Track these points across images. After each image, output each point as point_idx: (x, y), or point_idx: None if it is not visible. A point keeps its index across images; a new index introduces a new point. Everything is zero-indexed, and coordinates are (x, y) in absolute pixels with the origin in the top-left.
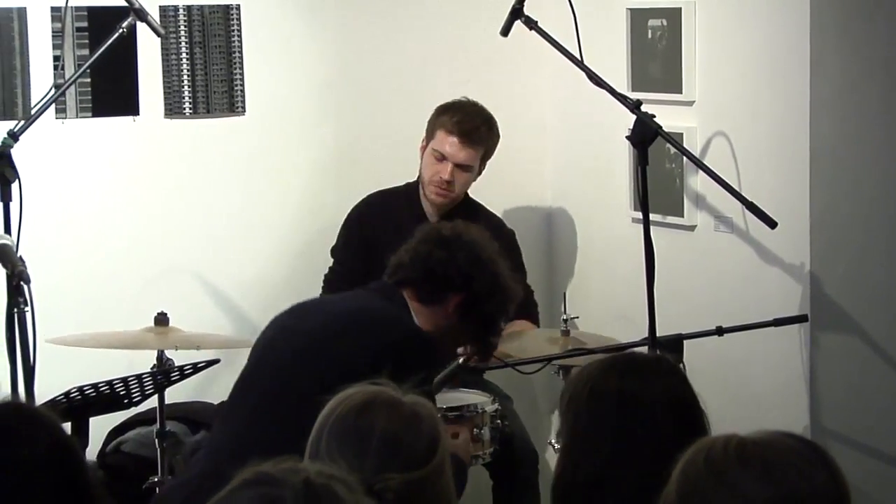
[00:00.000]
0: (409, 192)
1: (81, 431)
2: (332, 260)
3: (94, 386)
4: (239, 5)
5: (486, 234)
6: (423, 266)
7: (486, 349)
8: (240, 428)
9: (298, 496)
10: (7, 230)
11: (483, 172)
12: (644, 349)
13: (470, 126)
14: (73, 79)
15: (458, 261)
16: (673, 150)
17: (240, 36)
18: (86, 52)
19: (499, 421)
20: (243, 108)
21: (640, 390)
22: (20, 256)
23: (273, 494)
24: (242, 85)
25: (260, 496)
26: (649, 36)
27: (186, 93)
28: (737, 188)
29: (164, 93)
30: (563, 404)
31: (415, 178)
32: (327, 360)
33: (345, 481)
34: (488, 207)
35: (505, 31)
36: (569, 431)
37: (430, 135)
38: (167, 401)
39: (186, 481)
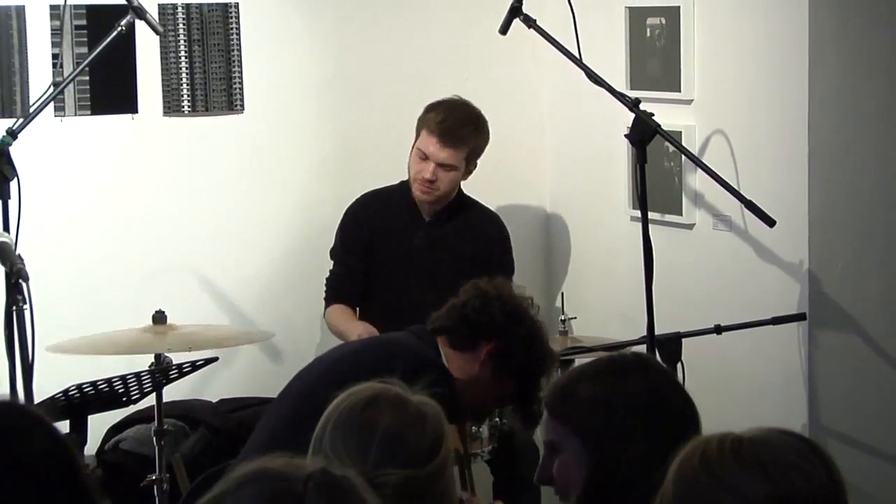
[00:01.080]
0: (402, 190)
1: (80, 429)
2: (331, 262)
3: (93, 384)
4: (237, 3)
5: (526, 299)
6: (458, 313)
7: (524, 412)
8: (268, 436)
9: (314, 491)
10: (6, 228)
11: (480, 170)
12: (643, 348)
13: (452, 126)
14: (71, 77)
15: (492, 309)
16: (672, 148)
17: (238, 34)
18: (84, 49)
19: (497, 419)
20: (242, 106)
21: (667, 388)
22: (19, 254)
23: (280, 489)
24: (241, 83)
25: (266, 491)
26: (648, 34)
27: (185, 91)
28: (735, 187)
29: (163, 91)
30: (578, 427)
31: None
32: (349, 375)
33: (349, 477)
34: (486, 205)
35: (504, 30)
36: (596, 449)
37: (417, 133)
38: (165, 399)
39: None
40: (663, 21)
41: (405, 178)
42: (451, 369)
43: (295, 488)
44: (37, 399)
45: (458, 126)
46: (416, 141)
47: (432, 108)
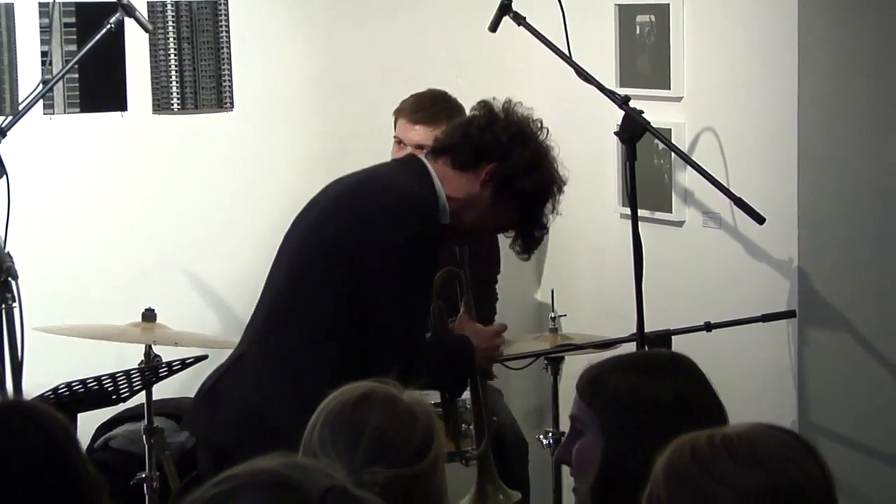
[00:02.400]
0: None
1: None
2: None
3: (82, 382)
4: (227, 1)
5: (535, 122)
6: (463, 131)
7: (524, 238)
8: (269, 304)
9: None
10: None
11: None
12: (633, 345)
13: (422, 104)
14: (60, 74)
15: (497, 129)
16: (661, 145)
17: (228, 31)
18: (74, 47)
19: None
20: (231, 103)
21: (694, 389)
22: (8, 252)
23: (292, 500)
24: (230, 80)
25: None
26: (637, 32)
27: (174, 88)
28: (725, 184)
29: (152, 88)
30: (602, 412)
31: None
32: (322, 238)
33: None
34: None
35: (493, 27)
36: (614, 437)
37: (395, 125)
38: (155, 397)
39: (221, 366)
40: (653, 18)
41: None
42: (449, 188)
43: (308, 499)
44: (26, 396)
45: (429, 104)
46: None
47: (404, 100)
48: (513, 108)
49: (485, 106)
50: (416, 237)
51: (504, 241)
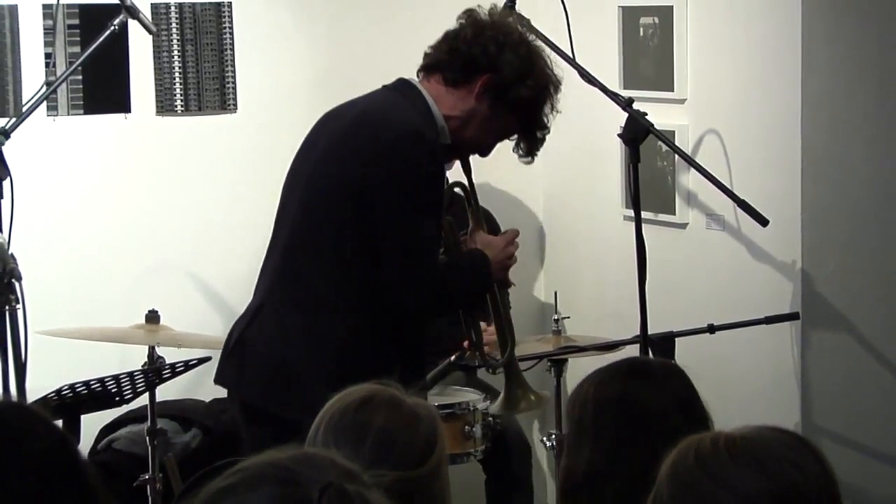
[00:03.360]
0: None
1: (73, 429)
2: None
3: (86, 383)
4: (230, 3)
5: (521, 28)
6: (450, 45)
7: (527, 142)
8: (283, 248)
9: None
10: None
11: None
12: (636, 347)
13: None
14: (64, 76)
15: (484, 40)
16: (665, 147)
17: (231, 33)
18: (77, 49)
19: (490, 418)
20: (235, 105)
21: (644, 392)
22: (11, 254)
23: (293, 496)
24: (234, 82)
25: (279, 498)
26: (641, 34)
27: (178, 90)
28: (728, 186)
29: (156, 90)
30: (570, 404)
31: None
32: (332, 176)
33: (366, 496)
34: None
35: None
36: (575, 429)
37: None
38: (158, 398)
39: (241, 318)
40: (656, 20)
41: None
42: (445, 107)
43: (308, 496)
44: (30, 398)
45: None
46: None
47: None
48: (498, 15)
49: (470, 16)
50: (424, 168)
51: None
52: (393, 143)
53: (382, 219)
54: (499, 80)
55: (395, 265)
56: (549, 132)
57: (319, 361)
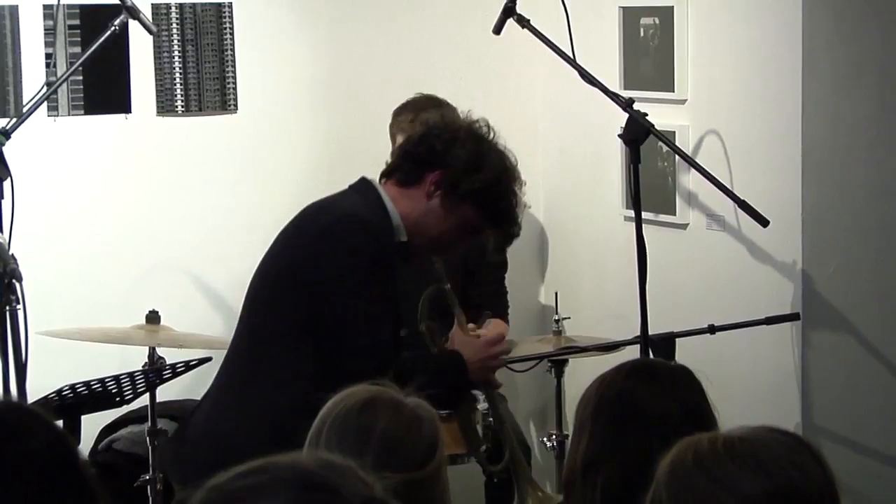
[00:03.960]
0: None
1: (73, 429)
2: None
3: (87, 384)
4: (231, 3)
5: (482, 123)
6: (401, 150)
7: (496, 235)
8: (228, 349)
9: None
10: None
11: None
12: (636, 348)
13: (418, 106)
14: (65, 76)
15: (430, 139)
16: (665, 148)
17: (232, 34)
18: (78, 49)
19: (490, 419)
20: (235, 105)
21: (642, 391)
22: (12, 254)
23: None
24: (234, 83)
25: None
26: (641, 34)
27: (178, 90)
28: (729, 186)
29: (157, 90)
30: (578, 404)
31: None
32: (272, 263)
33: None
34: None
35: (497, 30)
36: (577, 424)
37: (392, 139)
38: (159, 399)
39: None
40: (657, 21)
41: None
42: (402, 210)
43: None
44: (30, 399)
45: (425, 104)
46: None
47: (401, 111)
48: (450, 117)
49: (423, 124)
50: (361, 248)
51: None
52: (328, 226)
53: (319, 299)
54: (448, 174)
55: (333, 344)
56: (518, 227)
57: (253, 438)
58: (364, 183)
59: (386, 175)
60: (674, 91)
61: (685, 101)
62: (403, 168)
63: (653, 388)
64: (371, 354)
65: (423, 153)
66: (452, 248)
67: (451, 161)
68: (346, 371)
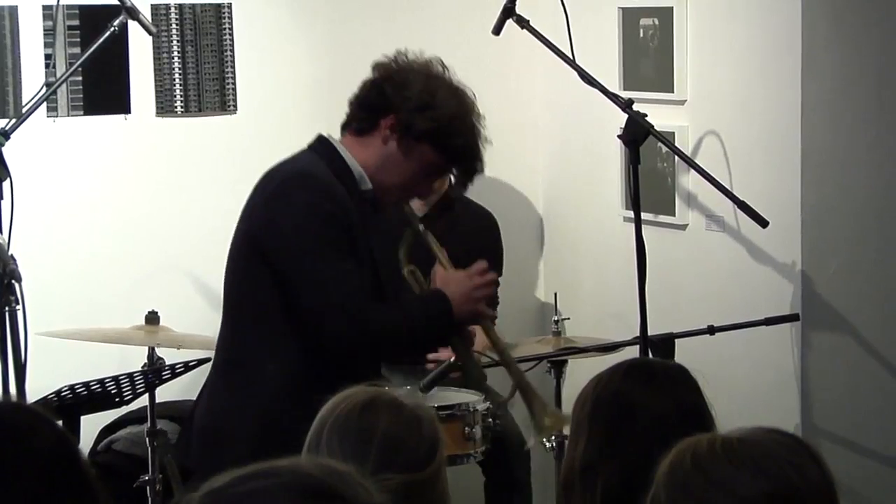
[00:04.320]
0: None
1: (73, 430)
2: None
3: (86, 384)
4: (230, 4)
5: (434, 62)
6: (355, 98)
7: (460, 172)
8: (219, 335)
9: None
10: None
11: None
12: (636, 349)
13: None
14: (64, 77)
15: (380, 83)
16: (665, 149)
17: (231, 34)
18: (77, 50)
19: (490, 419)
20: (235, 106)
21: (639, 391)
22: (11, 255)
23: None
24: (234, 83)
25: None
26: (641, 35)
27: (178, 91)
28: (728, 187)
29: (156, 91)
30: (574, 403)
31: None
32: (237, 237)
33: None
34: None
35: (497, 30)
36: (574, 426)
37: None
38: (158, 399)
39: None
40: (656, 22)
41: None
42: (362, 160)
43: None
44: (30, 399)
45: None
46: None
47: None
48: (399, 59)
49: (373, 69)
50: (308, 210)
51: (506, 242)
52: (278, 189)
53: (281, 263)
54: (400, 117)
55: (305, 304)
56: (481, 163)
57: (241, 420)
58: (320, 139)
59: (343, 128)
60: (673, 92)
61: (684, 101)
62: (358, 117)
63: (651, 388)
64: (345, 310)
65: (375, 99)
66: (420, 191)
67: (403, 103)
68: (325, 332)
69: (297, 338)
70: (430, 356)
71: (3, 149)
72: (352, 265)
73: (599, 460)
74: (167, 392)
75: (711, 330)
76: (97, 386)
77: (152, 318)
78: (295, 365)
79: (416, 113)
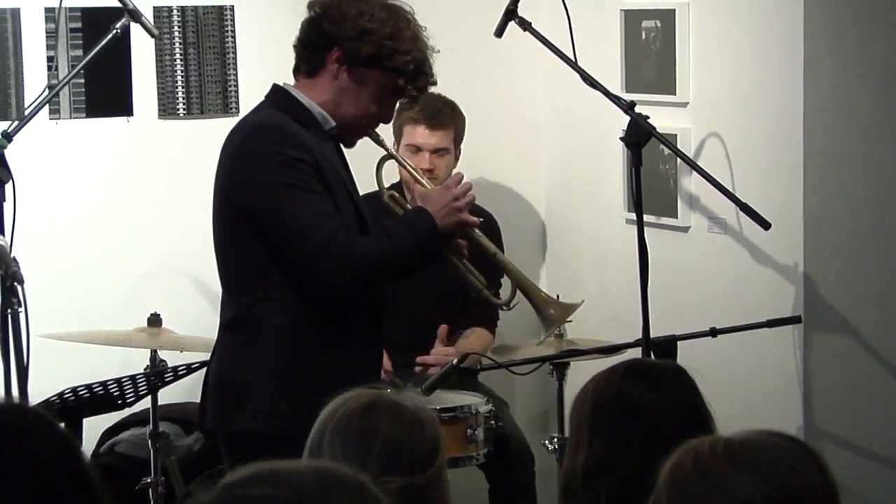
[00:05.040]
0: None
1: (75, 432)
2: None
3: (88, 387)
4: (233, 6)
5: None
6: (297, 41)
7: (415, 88)
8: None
9: None
10: (0, 231)
11: (476, 172)
12: (638, 350)
13: (433, 110)
14: (66, 79)
15: (319, 19)
16: (667, 151)
17: (234, 37)
18: (80, 52)
19: (492, 422)
20: (237, 108)
21: (640, 393)
22: (14, 257)
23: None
24: (236, 85)
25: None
26: (643, 37)
27: (180, 93)
28: (730, 189)
29: (158, 93)
30: (572, 405)
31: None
32: (215, 198)
33: None
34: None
35: (499, 32)
36: (574, 429)
37: (397, 135)
38: (160, 401)
39: None
40: (658, 24)
41: (397, 181)
42: (317, 96)
43: None
44: (32, 402)
45: (438, 109)
46: (398, 145)
47: (406, 106)
48: None
49: (308, 7)
50: (274, 153)
51: (508, 244)
52: (238, 145)
53: (259, 218)
54: (344, 49)
55: (291, 251)
56: (433, 77)
57: (252, 374)
58: (275, 89)
59: (295, 73)
60: (675, 94)
61: (687, 103)
62: (304, 59)
63: (652, 389)
64: (330, 245)
65: (316, 37)
66: (384, 116)
67: (343, 34)
68: (316, 271)
69: (293, 286)
70: (431, 361)
71: (6, 151)
72: (328, 203)
73: (603, 465)
74: (169, 394)
75: (713, 332)
76: (99, 388)
77: (154, 320)
78: (297, 313)
79: (357, 40)
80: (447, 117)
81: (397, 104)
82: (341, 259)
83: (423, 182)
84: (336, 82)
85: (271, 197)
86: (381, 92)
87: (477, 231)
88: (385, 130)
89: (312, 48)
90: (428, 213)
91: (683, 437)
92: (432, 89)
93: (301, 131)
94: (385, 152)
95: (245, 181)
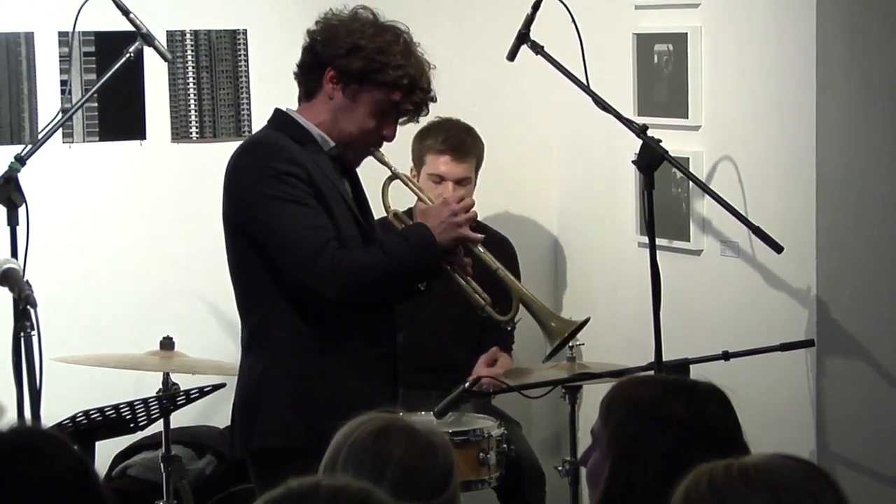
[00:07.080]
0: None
1: (88, 455)
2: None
3: (100, 410)
4: (246, 30)
5: (359, 8)
6: (296, 68)
7: (413, 101)
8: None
9: None
10: (14, 254)
11: (489, 195)
12: (649, 374)
13: (457, 140)
14: (80, 103)
15: (312, 43)
16: (679, 174)
17: (246, 60)
18: (93, 76)
19: (505, 445)
20: (249, 131)
21: (702, 416)
22: (27, 280)
23: None
24: (249, 109)
25: None
26: (655, 61)
27: (193, 117)
28: (743, 213)
29: (171, 117)
30: (613, 424)
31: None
32: (223, 217)
33: None
34: (496, 230)
35: (511, 56)
36: (621, 450)
37: (418, 161)
38: (173, 425)
39: None
40: (671, 47)
41: (412, 204)
42: (315, 118)
43: None
44: (44, 425)
45: (462, 139)
46: (418, 171)
47: (428, 132)
48: (326, 17)
49: (305, 35)
50: (265, 168)
51: (521, 267)
52: (232, 168)
53: (254, 233)
54: (336, 67)
55: (284, 264)
56: (431, 93)
57: (271, 390)
58: (277, 113)
59: (298, 101)
60: (688, 117)
61: (699, 127)
62: (303, 83)
63: (716, 410)
64: (320, 256)
65: (311, 60)
66: (386, 134)
67: (334, 52)
68: (309, 283)
69: (296, 300)
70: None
71: (19, 175)
72: (321, 216)
73: (664, 493)
74: (182, 418)
75: (726, 356)
76: (112, 411)
77: (167, 343)
78: (303, 328)
79: (347, 57)
80: (470, 147)
81: (399, 121)
82: (329, 270)
83: (426, 199)
84: (332, 102)
85: (262, 210)
86: (376, 108)
87: (480, 247)
88: (406, 156)
89: (309, 71)
90: (426, 227)
91: (715, 457)
92: (449, 114)
93: (294, 147)
94: (390, 172)
95: (239, 197)
